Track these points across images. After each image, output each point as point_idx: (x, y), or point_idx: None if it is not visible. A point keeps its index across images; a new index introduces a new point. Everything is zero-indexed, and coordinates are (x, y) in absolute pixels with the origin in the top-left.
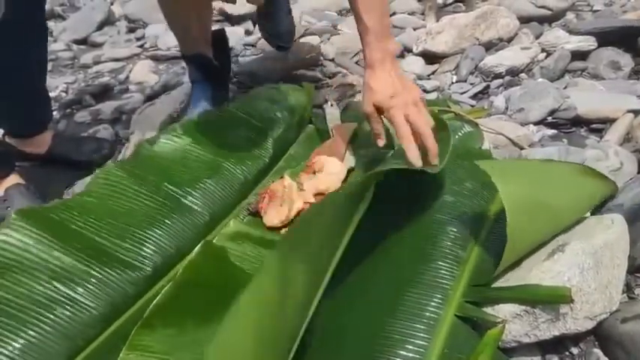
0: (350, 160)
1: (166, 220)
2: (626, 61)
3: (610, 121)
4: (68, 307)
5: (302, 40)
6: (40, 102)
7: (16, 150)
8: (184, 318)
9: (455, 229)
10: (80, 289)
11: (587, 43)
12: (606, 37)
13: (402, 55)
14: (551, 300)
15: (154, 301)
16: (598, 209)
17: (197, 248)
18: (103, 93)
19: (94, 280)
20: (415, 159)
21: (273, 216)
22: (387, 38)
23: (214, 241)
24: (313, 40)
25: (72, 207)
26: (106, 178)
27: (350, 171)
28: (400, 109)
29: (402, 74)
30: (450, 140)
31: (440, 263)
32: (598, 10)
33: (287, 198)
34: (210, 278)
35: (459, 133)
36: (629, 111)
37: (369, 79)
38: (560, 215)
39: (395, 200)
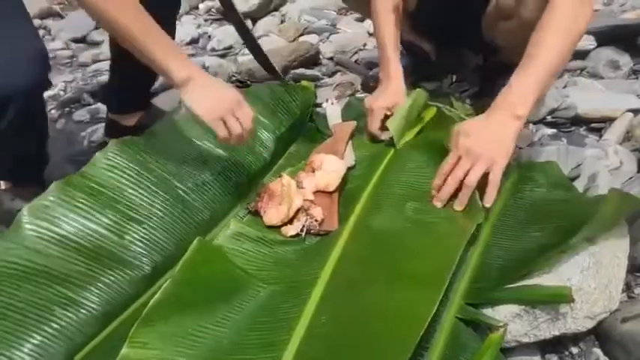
0: (349, 158)
1: (167, 219)
2: (625, 60)
3: (609, 120)
4: (68, 309)
5: (301, 38)
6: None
7: None
8: (184, 315)
9: None
10: (79, 291)
11: (587, 42)
12: (605, 37)
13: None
14: (552, 300)
15: (154, 298)
16: None
17: (191, 247)
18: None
19: (93, 281)
20: (439, 201)
21: (273, 215)
22: (526, 102)
23: (215, 240)
24: (312, 38)
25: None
26: (108, 159)
27: (350, 169)
28: (469, 157)
29: (506, 137)
30: None
31: None
32: (597, 10)
33: (286, 196)
34: (206, 276)
35: None
36: (628, 110)
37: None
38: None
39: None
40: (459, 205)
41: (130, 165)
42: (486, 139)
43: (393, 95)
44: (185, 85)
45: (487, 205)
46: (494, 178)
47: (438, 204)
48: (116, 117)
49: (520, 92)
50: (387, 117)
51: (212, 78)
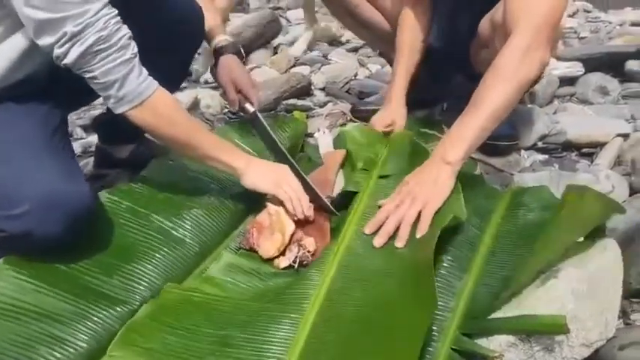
0: (340, 185)
1: (156, 254)
2: (614, 85)
3: (600, 145)
4: (55, 348)
5: (293, 70)
6: None
7: None
8: (164, 332)
9: (450, 259)
10: (67, 329)
11: (575, 68)
12: (593, 63)
13: None
14: (547, 330)
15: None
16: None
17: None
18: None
19: (80, 319)
20: (381, 239)
21: (269, 247)
22: (458, 149)
23: (207, 272)
24: (304, 69)
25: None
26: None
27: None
28: (407, 200)
29: (439, 180)
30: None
31: None
32: (585, 37)
33: (277, 224)
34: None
35: None
36: (618, 135)
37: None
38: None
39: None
40: (399, 242)
41: (120, 211)
42: (422, 183)
43: (392, 115)
44: (244, 173)
45: (417, 236)
46: (426, 216)
47: (379, 240)
48: (107, 147)
49: (454, 139)
50: (386, 134)
51: (263, 160)
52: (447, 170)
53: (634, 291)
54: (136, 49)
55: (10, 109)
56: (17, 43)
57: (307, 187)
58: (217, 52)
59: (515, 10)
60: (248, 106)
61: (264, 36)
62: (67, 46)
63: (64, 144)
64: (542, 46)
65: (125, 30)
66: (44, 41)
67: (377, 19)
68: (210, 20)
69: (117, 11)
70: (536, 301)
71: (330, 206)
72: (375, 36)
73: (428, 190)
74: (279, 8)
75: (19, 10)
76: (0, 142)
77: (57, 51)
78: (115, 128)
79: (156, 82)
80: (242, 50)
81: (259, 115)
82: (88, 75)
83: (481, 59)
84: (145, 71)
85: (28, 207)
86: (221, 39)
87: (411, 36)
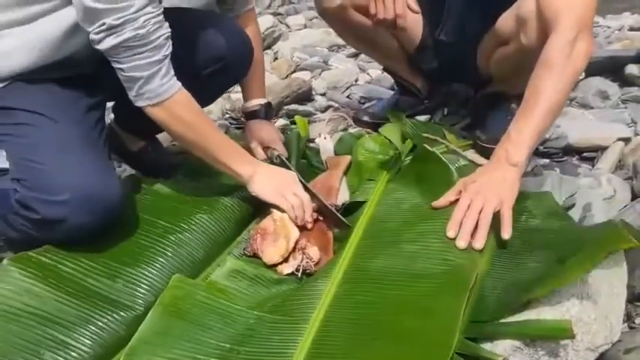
0: (345, 193)
1: (160, 259)
2: (614, 90)
3: (601, 149)
4: (59, 352)
5: (294, 75)
6: None
7: None
8: (170, 345)
9: None
10: (71, 333)
11: None
12: (593, 67)
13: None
14: (552, 335)
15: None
16: None
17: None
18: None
19: (84, 323)
20: (462, 240)
21: (273, 253)
22: (521, 150)
23: (211, 277)
24: (305, 75)
25: (64, 250)
26: None
27: (344, 204)
28: (479, 198)
29: (508, 181)
30: None
31: None
32: None
33: (282, 231)
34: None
35: (456, 165)
36: (619, 139)
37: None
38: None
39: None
40: (478, 243)
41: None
42: (491, 183)
43: None
44: (250, 181)
45: (506, 237)
46: (506, 214)
47: (462, 243)
48: (120, 133)
49: (516, 141)
50: None
51: (270, 167)
52: (514, 171)
53: (638, 295)
54: (169, 50)
55: (55, 93)
56: (62, 20)
57: (318, 201)
58: (248, 115)
59: (553, 3)
60: (277, 154)
61: (265, 42)
62: (102, 34)
63: (102, 135)
64: (587, 38)
65: (164, 30)
66: (85, 24)
67: (380, 36)
68: (252, 76)
69: (161, 9)
70: (540, 305)
71: (343, 218)
72: (379, 53)
73: (500, 190)
74: (279, 14)
75: None
76: (47, 126)
77: (93, 36)
78: (134, 119)
79: (178, 84)
80: (273, 110)
81: (286, 161)
82: (116, 65)
83: (498, 56)
84: (171, 72)
85: (68, 196)
86: (255, 103)
87: None
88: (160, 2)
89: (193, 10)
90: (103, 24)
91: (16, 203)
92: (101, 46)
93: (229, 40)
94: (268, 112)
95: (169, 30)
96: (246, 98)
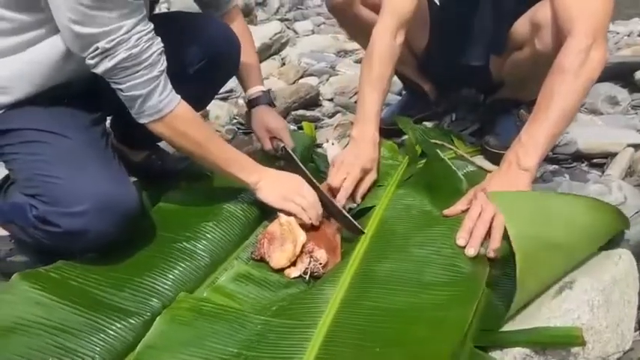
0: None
1: (166, 265)
2: (624, 96)
3: (610, 156)
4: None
5: (301, 80)
6: None
7: None
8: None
9: None
10: (79, 341)
11: None
12: (603, 73)
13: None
14: (563, 342)
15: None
16: (607, 243)
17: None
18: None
19: (93, 331)
20: (472, 248)
21: (280, 257)
22: (533, 155)
23: (218, 281)
24: (312, 80)
25: (73, 265)
26: None
27: (352, 209)
28: (491, 205)
29: (519, 187)
30: None
31: None
32: None
33: (289, 235)
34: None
35: (464, 171)
36: (629, 145)
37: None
38: (572, 254)
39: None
40: (493, 250)
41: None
42: (501, 190)
43: (361, 159)
44: (256, 188)
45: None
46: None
47: (472, 251)
48: (123, 148)
49: (528, 146)
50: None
51: (275, 173)
52: (526, 177)
53: None
54: (164, 65)
55: (58, 111)
56: (58, 44)
57: (331, 205)
58: (251, 103)
59: (569, 9)
60: (282, 145)
61: (272, 47)
62: (97, 59)
63: (109, 146)
64: (602, 45)
65: (157, 46)
66: (77, 51)
67: None
68: (247, 68)
69: (152, 26)
70: (551, 312)
71: (357, 224)
72: None
73: None
74: (286, 20)
75: (56, 19)
76: (58, 142)
77: (89, 61)
78: (130, 132)
79: (178, 98)
80: (274, 97)
81: (292, 153)
82: (115, 86)
83: (511, 61)
84: (169, 87)
85: (87, 206)
86: (256, 90)
87: (382, 69)
88: (149, 19)
89: (175, 12)
90: (97, 48)
91: (35, 219)
92: (98, 70)
93: (212, 36)
94: (270, 99)
95: (162, 45)
96: (245, 88)
